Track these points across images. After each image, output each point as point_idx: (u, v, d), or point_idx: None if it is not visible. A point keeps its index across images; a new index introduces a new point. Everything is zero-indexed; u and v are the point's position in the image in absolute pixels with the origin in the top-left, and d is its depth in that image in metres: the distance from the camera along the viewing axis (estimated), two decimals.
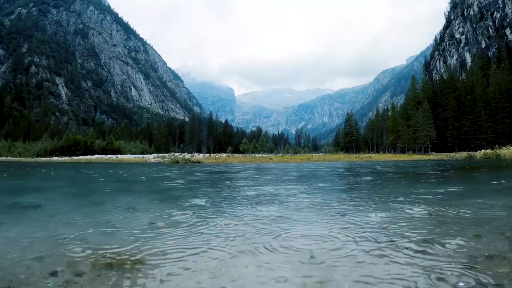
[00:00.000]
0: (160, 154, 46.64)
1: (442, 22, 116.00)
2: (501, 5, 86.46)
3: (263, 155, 52.95)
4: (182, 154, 43.09)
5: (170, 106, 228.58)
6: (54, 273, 1.37)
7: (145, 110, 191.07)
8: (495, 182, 5.44)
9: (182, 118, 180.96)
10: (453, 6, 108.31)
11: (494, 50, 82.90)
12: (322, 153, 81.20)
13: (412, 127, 58.78)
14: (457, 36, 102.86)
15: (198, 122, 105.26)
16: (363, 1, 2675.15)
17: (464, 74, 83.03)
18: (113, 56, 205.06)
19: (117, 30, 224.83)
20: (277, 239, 1.92)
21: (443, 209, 2.84)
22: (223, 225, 2.33)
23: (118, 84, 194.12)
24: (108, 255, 1.60)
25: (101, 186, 6.52)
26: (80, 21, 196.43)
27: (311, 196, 4.14)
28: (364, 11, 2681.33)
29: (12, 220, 2.67)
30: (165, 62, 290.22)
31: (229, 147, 74.94)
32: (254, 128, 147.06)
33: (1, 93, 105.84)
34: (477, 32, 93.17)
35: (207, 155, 44.18)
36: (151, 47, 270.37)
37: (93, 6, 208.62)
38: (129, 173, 11.26)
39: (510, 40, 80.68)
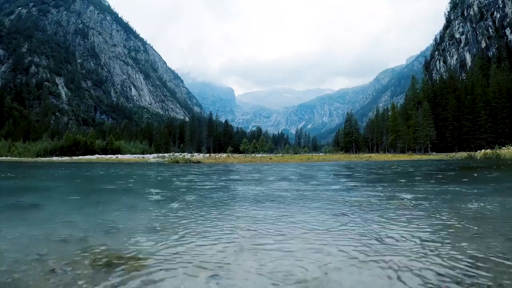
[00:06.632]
0: (160, 154, 46.68)
1: (442, 22, 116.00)
2: (501, 5, 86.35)
3: (263, 155, 52.99)
4: (182, 154, 43.10)
5: (170, 106, 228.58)
6: (53, 273, 1.36)
7: (145, 110, 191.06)
8: None
9: (182, 118, 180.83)
10: (453, 6, 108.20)
11: (494, 50, 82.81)
12: (322, 153, 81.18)
13: (412, 127, 58.75)
14: (457, 36, 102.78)
15: (198, 122, 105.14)
16: (363, 1, 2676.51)
17: (464, 74, 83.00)
18: (113, 56, 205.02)
19: (117, 30, 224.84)
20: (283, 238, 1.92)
21: None
22: (224, 225, 2.32)
23: (118, 84, 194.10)
24: (108, 255, 1.59)
25: (100, 186, 6.52)
26: (80, 21, 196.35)
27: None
28: (364, 11, 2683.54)
29: (12, 220, 2.68)
30: (165, 62, 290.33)
31: (229, 147, 74.87)
32: (254, 128, 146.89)
33: (1, 93, 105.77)
34: (477, 32, 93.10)
35: (207, 155, 44.16)
36: (151, 47, 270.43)
37: (93, 6, 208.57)
38: (129, 173, 11.26)
39: (510, 40, 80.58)
